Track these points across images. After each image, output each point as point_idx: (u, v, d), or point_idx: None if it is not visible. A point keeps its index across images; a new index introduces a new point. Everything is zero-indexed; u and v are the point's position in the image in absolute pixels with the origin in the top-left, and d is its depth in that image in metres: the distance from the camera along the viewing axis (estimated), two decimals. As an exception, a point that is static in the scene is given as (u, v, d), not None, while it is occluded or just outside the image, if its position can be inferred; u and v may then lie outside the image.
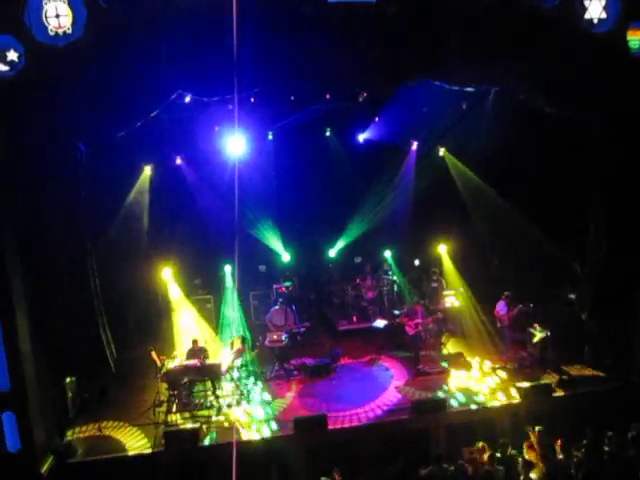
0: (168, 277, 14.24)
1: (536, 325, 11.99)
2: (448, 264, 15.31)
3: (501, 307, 12.04)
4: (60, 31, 8.32)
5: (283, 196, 15.54)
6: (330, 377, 11.90)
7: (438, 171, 15.82)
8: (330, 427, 9.59)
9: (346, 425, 9.78)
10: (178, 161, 14.81)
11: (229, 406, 10.74)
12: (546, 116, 11.43)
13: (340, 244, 16.41)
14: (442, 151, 16.01)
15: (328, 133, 16.07)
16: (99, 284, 11.64)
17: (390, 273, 15.50)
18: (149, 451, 9.31)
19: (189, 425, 9.89)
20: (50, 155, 9.79)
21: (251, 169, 14.52)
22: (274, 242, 15.76)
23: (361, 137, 15.81)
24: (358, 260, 16.64)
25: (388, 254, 15.76)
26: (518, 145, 13.45)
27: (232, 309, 13.96)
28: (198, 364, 10.96)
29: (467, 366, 11.82)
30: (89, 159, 11.54)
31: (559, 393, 10.34)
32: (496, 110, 13.12)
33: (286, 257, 15.91)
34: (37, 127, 8.82)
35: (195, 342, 11.67)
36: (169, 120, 12.30)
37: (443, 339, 12.85)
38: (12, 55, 8.23)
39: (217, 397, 10.85)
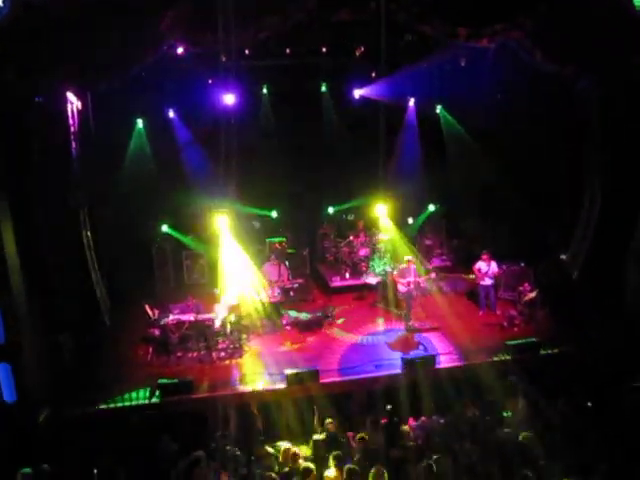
0: (165, 231, 14.15)
1: (526, 284, 12.08)
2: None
3: (479, 266, 12.16)
4: (46, -25, 7.88)
5: (278, 151, 15.25)
6: (322, 332, 11.96)
7: (433, 129, 15.58)
8: (322, 381, 9.69)
9: (338, 379, 9.89)
10: (170, 114, 14.56)
11: (222, 360, 10.82)
12: (545, 75, 11.17)
13: (336, 201, 16.26)
14: (439, 109, 15.73)
15: (324, 88, 15.67)
16: (92, 238, 11.53)
17: (383, 230, 15.46)
18: (144, 402, 9.40)
19: (183, 377, 9.92)
20: (39, 105, 9.49)
21: (245, 123, 14.17)
22: (263, 201, 15.57)
23: (357, 93, 15.42)
24: (351, 217, 16.53)
25: (382, 211, 15.67)
26: (515, 104, 13.21)
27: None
28: (192, 318, 11.00)
29: (458, 324, 11.80)
30: (80, 112, 11.26)
31: (547, 351, 10.42)
32: (495, 67, 12.80)
33: (274, 214, 15.76)
34: (24, 75, 8.47)
35: (189, 297, 11.68)
36: (162, 72, 11.94)
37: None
38: (-4, 0, 7.82)
39: (211, 351, 10.92)
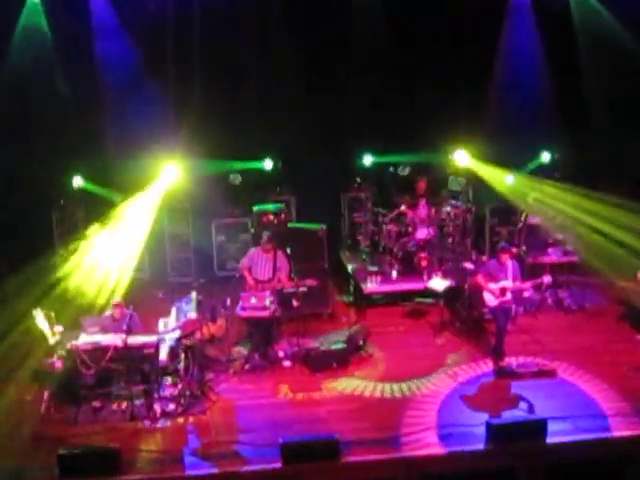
0: (78, 185, 14.27)
1: None
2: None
3: None
4: None
5: (276, 55, 15.51)
6: (346, 372, 12.07)
7: (560, 23, 15.73)
8: (344, 459, 9.72)
9: (372, 457, 9.88)
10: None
11: (171, 416, 10.94)
12: None
13: (378, 144, 16.42)
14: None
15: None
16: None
17: (462, 197, 15.48)
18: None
19: (103, 444, 10.01)
20: None
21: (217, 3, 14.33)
22: (248, 142, 15.76)
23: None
24: (405, 172, 16.72)
25: (464, 160, 15.66)
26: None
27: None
28: (121, 343, 11.01)
29: (591, 367, 11.91)
30: None
31: None
32: None
33: (268, 164, 16.07)
34: None
35: (118, 306, 11.80)
36: None
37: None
38: None
39: (152, 400, 11.03)
